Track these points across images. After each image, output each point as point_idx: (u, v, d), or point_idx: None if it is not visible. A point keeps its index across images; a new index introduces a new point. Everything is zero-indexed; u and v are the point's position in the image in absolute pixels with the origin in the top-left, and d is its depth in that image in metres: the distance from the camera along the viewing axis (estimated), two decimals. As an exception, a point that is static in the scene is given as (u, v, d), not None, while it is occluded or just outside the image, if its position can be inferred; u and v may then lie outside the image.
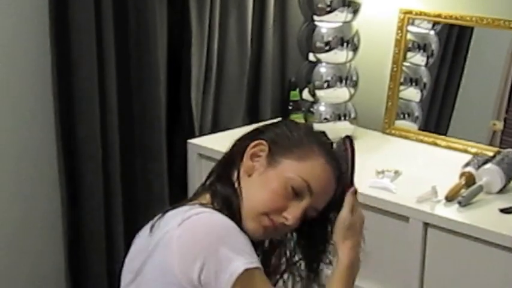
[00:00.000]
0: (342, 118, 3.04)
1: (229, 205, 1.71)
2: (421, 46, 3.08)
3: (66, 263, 2.85)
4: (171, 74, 2.98)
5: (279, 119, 2.99)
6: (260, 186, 1.73)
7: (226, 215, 1.67)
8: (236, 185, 1.75)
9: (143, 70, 2.86)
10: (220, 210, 1.69)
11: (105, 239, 2.85)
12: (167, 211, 1.71)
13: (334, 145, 1.84)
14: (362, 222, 1.84)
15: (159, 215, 1.73)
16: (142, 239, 1.73)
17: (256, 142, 1.76)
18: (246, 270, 1.58)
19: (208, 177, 1.83)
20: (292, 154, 1.74)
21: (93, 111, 2.73)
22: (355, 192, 1.79)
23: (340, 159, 1.79)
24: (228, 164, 1.80)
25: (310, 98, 3.04)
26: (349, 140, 1.81)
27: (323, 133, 1.87)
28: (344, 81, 3.00)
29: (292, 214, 1.72)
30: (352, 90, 3.03)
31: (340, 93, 3.02)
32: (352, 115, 3.06)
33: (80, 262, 2.87)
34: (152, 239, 1.67)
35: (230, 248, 1.59)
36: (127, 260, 1.77)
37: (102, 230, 2.83)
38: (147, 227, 1.74)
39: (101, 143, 2.77)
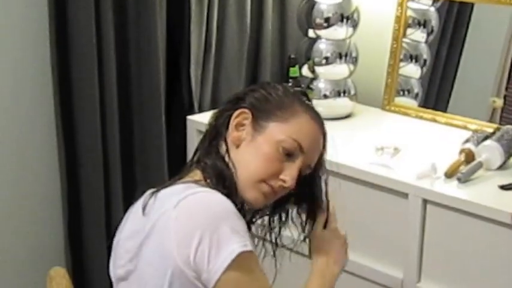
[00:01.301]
0: (342, 95, 3.03)
1: (223, 179, 1.71)
2: (421, 22, 3.07)
3: (66, 238, 2.86)
4: (171, 50, 2.97)
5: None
6: (251, 154, 1.73)
7: (222, 190, 1.67)
8: (226, 158, 1.74)
9: (142, 47, 2.85)
10: (215, 187, 1.68)
11: (104, 216, 2.85)
12: (158, 190, 1.70)
13: None
14: (341, 241, 1.88)
15: (149, 193, 1.71)
16: (136, 220, 1.71)
17: (238, 111, 1.75)
18: (241, 253, 1.58)
19: (195, 154, 1.81)
20: (276, 116, 1.74)
21: (92, 86, 2.71)
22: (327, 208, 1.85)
23: None
24: (214, 137, 1.78)
25: (310, 75, 3.03)
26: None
27: (300, 91, 1.88)
28: (344, 58, 2.99)
29: (289, 175, 1.73)
30: (352, 67, 3.02)
31: (340, 70, 3.01)
32: (352, 92, 3.06)
33: (79, 238, 2.88)
34: (148, 220, 1.66)
35: (227, 229, 1.58)
36: (122, 237, 1.76)
37: (101, 205, 2.83)
38: (138, 206, 1.72)
39: (100, 119, 2.76)
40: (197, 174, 1.74)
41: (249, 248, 1.61)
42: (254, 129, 1.73)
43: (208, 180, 1.71)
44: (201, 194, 1.63)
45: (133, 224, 1.73)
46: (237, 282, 1.60)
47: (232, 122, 1.75)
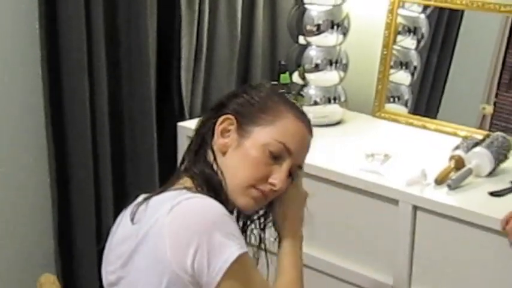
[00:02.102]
0: (332, 101, 3.03)
1: (213, 187, 1.71)
2: (412, 29, 3.08)
3: (56, 245, 2.85)
4: (161, 57, 2.96)
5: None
6: (239, 160, 1.73)
7: (213, 197, 1.68)
8: (214, 166, 1.74)
9: (133, 53, 2.84)
10: (207, 194, 1.68)
11: (95, 222, 2.84)
12: (150, 197, 1.69)
13: None
14: (303, 198, 1.88)
15: (140, 200, 1.71)
16: (127, 226, 1.71)
17: (222, 118, 1.75)
18: (240, 255, 1.59)
19: (182, 163, 1.81)
20: (261, 120, 1.74)
21: (83, 92, 2.70)
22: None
23: None
24: (200, 146, 1.78)
25: (300, 81, 3.04)
26: None
27: (283, 90, 1.89)
28: (334, 65, 3.00)
29: (278, 178, 1.73)
30: (342, 74, 3.03)
31: (330, 77, 3.02)
32: (342, 98, 3.06)
33: (69, 244, 2.86)
34: (140, 227, 1.65)
35: (223, 233, 1.59)
36: (113, 243, 1.75)
37: (92, 211, 2.83)
38: (126, 215, 1.72)
39: (90, 126, 2.75)
40: (187, 181, 1.74)
41: (245, 249, 1.62)
42: (239, 135, 1.73)
43: (199, 189, 1.71)
44: (194, 200, 1.63)
45: (124, 230, 1.73)
46: (239, 283, 1.61)
47: (217, 129, 1.75)
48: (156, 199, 1.68)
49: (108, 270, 1.76)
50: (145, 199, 1.70)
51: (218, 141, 1.75)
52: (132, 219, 1.68)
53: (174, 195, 1.66)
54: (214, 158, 1.74)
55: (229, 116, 1.75)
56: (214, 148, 1.75)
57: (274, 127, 1.74)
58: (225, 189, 1.72)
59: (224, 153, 1.74)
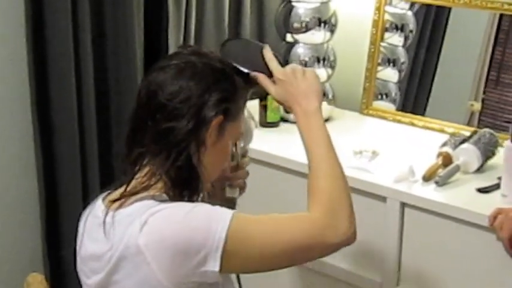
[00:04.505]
0: (320, 99, 3.03)
1: (192, 189, 1.70)
2: (399, 26, 3.08)
3: (43, 244, 2.84)
4: (148, 55, 2.96)
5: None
6: (217, 155, 1.75)
7: (187, 197, 1.68)
8: (195, 162, 1.70)
9: (120, 52, 2.84)
10: (178, 198, 1.67)
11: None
12: (115, 210, 1.65)
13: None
14: (298, 75, 1.86)
15: (104, 219, 1.66)
16: (97, 242, 1.68)
17: (216, 120, 1.70)
18: (231, 220, 1.58)
19: (138, 158, 1.73)
20: (233, 115, 1.75)
21: (70, 91, 2.70)
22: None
23: None
24: (177, 144, 1.68)
25: (288, 79, 3.03)
26: None
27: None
28: (321, 62, 2.99)
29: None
30: (330, 71, 3.03)
31: (318, 74, 3.01)
32: (330, 95, 3.06)
33: (57, 244, 2.86)
34: (110, 247, 1.62)
35: (203, 223, 1.57)
36: (83, 254, 1.75)
37: (80, 211, 2.80)
38: (94, 222, 1.70)
39: (78, 124, 2.75)
40: (157, 187, 1.69)
41: (229, 214, 1.61)
42: (218, 132, 1.72)
43: (171, 194, 1.68)
44: (161, 214, 1.59)
45: (94, 243, 1.70)
46: (245, 231, 1.61)
47: (214, 127, 1.72)
48: (123, 213, 1.64)
49: (85, 281, 1.76)
50: (113, 210, 1.67)
51: (208, 140, 1.71)
52: (104, 229, 1.66)
53: (141, 209, 1.61)
54: (199, 159, 1.70)
55: (220, 116, 1.71)
56: (201, 147, 1.70)
57: (239, 121, 1.79)
58: (201, 185, 1.72)
59: (204, 150, 1.71)
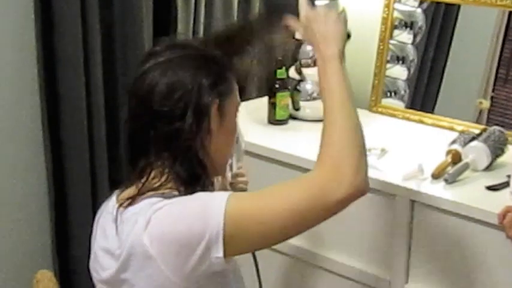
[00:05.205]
0: (329, 96, 3.02)
1: (203, 182, 1.69)
2: (408, 24, 3.07)
3: (52, 241, 2.85)
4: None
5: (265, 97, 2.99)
6: (225, 134, 1.73)
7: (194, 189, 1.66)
8: (202, 155, 1.68)
9: (129, 49, 2.84)
10: (184, 192, 1.66)
11: (91, 218, 2.82)
12: (125, 207, 1.66)
13: None
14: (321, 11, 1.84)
15: (114, 217, 1.67)
16: (110, 239, 1.68)
17: (214, 107, 1.67)
18: (227, 201, 1.56)
19: (145, 155, 1.70)
20: (231, 93, 1.72)
21: (79, 93, 2.71)
22: None
23: None
24: (185, 143, 1.66)
25: (297, 76, 3.03)
26: None
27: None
28: (330, 59, 2.98)
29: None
30: (339, 68, 3.02)
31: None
32: (339, 93, 3.05)
33: (66, 241, 2.87)
34: (119, 243, 1.63)
35: (199, 219, 1.55)
36: (97, 247, 1.74)
37: (88, 207, 2.82)
38: (109, 218, 1.70)
39: (87, 122, 2.76)
40: (167, 186, 1.68)
41: (225, 197, 1.58)
42: (220, 114, 1.69)
43: (181, 190, 1.67)
44: (161, 212, 1.58)
45: (106, 239, 1.71)
46: (242, 211, 1.57)
47: (213, 117, 1.67)
48: (131, 211, 1.64)
49: (97, 278, 1.76)
50: (124, 206, 1.67)
51: (211, 127, 1.68)
52: (116, 225, 1.66)
53: (145, 206, 1.61)
54: (206, 152, 1.68)
55: (215, 100, 1.67)
56: (205, 137, 1.68)
57: (235, 93, 1.74)
58: (210, 172, 1.71)
59: (210, 137, 1.69)
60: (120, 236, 1.64)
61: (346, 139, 1.64)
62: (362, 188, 1.61)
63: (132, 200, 1.66)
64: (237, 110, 1.76)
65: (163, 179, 1.67)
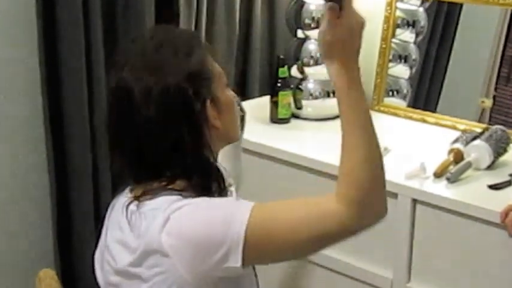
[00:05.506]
0: (331, 95, 3.02)
1: (216, 178, 1.69)
2: (410, 23, 3.07)
3: (55, 240, 2.85)
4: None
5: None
6: (225, 113, 1.70)
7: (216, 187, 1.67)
8: (209, 152, 1.68)
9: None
10: (200, 192, 1.65)
11: (93, 217, 2.84)
12: (141, 201, 1.64)
13: None
14: (357, 28, 1.63)
15: (132, 209, 1.65)
16: (124, 231, 1.67)
17: (209, 107, 1.65)
18: (251, 211, 1.54)
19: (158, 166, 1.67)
20: (213, 78, 1.69)
21: (81, 93, 2.71)
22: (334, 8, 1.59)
23: None
24: (191, 148, 1.64)
25: (299, 75, 3.03)
26: None
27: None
28: (332, 58, 2.98)
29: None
30: (341, 67, 3.01)
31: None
32: (341, 92, 3.05)
33: (68, 239, 2.87)
34: (137, 238, 1.61)
35: (221, 225, 1.54)
36: (110, 240, 1.73)
37: (91, 206, 2.83)
38: (122, 212, 1.70)
39: (89, 117, 2.76)
40: (179, 185, 1.67)
41: (249, 205, 1.56)
42: (213, 104, 1.67)
43: (192, 192, 1.65)
44: (182, 211, 1.57)
45: (119, 231, 1.70)
46: (265, 226, 1.54)
47: (209, 113, 1.65)
48: (149, 206, 1.62)
49: (107, 270, 1.75)
50: (139, 200, 1.66)
51: (213, 115, 1.66)
52: (129, 220, 1.65)
53: (165, 203, 1.60)
54: (211, 151, 1.68)
55: (207, 99, 1.65)
56: (208, 134, 1.66)
57: (217, 73, 1.70)
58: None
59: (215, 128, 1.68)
60: (136, 230, 1.63)
61: (372, 174, 1.58)
62: (383, 216, 1.62)
63: (149, 194, 1.64)
64: (224, 82, 1.72)
65: (177, 181, 1.66)
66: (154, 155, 1.64)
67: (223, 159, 1.87)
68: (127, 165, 1.68)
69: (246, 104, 1.94)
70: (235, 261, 1.54)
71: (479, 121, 2.90)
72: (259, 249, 1.55)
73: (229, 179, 1.89)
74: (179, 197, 1.62)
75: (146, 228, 1.59)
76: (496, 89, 2.93)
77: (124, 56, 1.67)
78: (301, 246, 1.58)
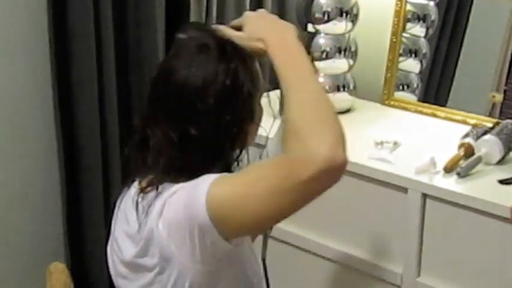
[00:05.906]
0: (341, 89, 3.02)
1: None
2: (421, 17, 3.06)
3: (65, 233, 2.86)
4: (169, 49, 2.96)
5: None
6: (254, 130, 1.78)
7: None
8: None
9: (141, 46, 2.85)
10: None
11: (103, 211, 2.85)
12: (146, 192, 1.66)
13: None
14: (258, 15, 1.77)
15: (138, 193, 1.68)
16: (131, 223, 1.69)
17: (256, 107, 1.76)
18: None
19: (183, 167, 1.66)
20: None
21: (92, 89, 2.72)
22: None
23: None
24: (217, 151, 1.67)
25: (309, 70, 3.02)
26: None
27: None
28: (343, 52, 2.98)
29: None
30: (351, 62, 3.01)
31: (339, 65, 3.00)
32: (351, 86, 3.05)
33: (79, 233, 2.88)
34: (140, 230, 1.64)
35: (192, 203, 1.54)
36: (119, 231, 1.75)
37: (101, 201, 2.84)
38: (131, 205, 1.71)
39: (99, 109, 2.77)
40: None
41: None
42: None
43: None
44: (177, 194, 1.59)
45: (127, 223, 1.72)
46: (221, 196, 1.53)
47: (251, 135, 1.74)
48: (150, 196, 1.65)
49: (116, 261, 1.76)
50: (143, 192, 1.67)
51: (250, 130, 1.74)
52: (146, 212, 1.66)
53: (165, 193, 1.62)
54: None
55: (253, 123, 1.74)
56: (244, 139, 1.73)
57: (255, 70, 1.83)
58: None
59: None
60: (139, 221, 1.65)
61: (310, 113, 1.53)
62: (339, 160, 1.48)
63: (155, 184, 1.65)
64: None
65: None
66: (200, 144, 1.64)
67: (278, 144, 1.90)
68: (159, 157, 1.66)
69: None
70: (213, 236, 1.53)
71: (490, 115, 2.89)
72: (229, 220, 1.52)
73: None
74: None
75: (147, 217, 1.61)
76: (506, 83, 2.92)
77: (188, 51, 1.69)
78: (266, 207, 1.50)
